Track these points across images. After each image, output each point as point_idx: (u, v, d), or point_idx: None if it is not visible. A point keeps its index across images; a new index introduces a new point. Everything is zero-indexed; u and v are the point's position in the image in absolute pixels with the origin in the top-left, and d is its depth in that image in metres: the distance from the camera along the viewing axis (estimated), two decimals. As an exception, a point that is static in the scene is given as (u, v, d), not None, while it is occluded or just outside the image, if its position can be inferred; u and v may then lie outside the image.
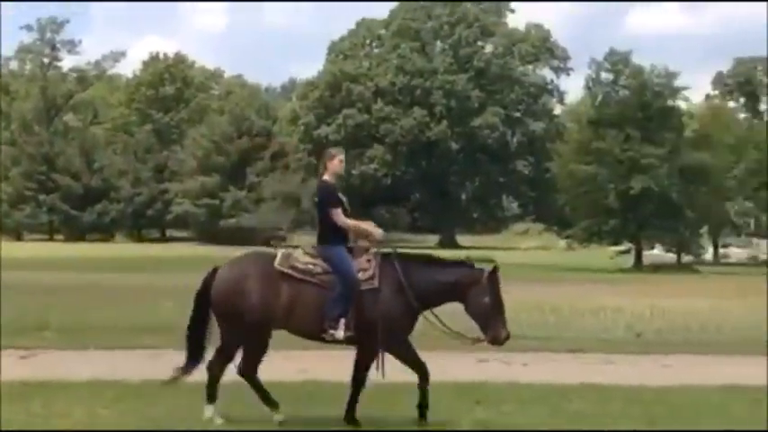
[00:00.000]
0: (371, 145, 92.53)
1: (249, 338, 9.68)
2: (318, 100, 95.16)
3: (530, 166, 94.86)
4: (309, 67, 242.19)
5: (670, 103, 70.61)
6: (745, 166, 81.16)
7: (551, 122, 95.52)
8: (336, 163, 10.04)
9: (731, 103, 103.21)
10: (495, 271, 9.74)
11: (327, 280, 9.59)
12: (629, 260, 68.04)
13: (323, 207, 9.92)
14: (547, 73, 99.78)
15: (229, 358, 9.86)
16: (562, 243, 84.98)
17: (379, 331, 9.46)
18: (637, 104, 68.47)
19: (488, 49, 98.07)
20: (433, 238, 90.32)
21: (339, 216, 9.81)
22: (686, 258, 69.90)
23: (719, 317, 23.85)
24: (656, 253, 73.03)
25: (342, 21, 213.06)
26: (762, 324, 21.06)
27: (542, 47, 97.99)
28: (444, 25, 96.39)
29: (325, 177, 10.07)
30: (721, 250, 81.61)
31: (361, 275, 9.61)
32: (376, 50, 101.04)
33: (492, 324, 9.63)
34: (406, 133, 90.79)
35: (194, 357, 10.02)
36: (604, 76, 72.53)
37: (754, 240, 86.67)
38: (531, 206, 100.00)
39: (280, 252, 9.90)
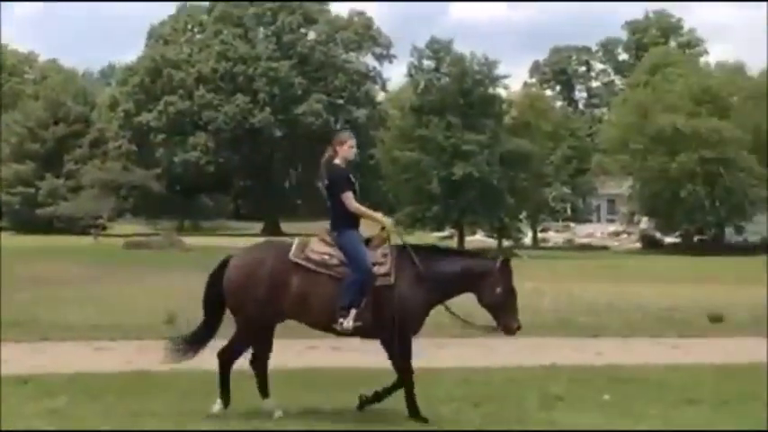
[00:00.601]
0: (194, 132, 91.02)
1: (247, 329, 9.66)
2: (138, 86, 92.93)
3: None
4: (128, 52, 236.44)
5: (490, 90, 72.14)
6: (561, 153, 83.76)
7: (374, 109, 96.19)
8: (347, 148, 9.89)
9: (548, 92, 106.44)
10: (506, 261, 9.80)
11: (343, 271, 9.49)
12: (452, 245, 69.17)
13: (334, 192, 9.74)
14: (370, 60, 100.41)
15: (242, 351, 9.81)
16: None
17: (395, 328, 9.41)
18: (458, 92, 69.63)
19: (311, 35, 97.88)
20: (258, 226, 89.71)
21: (351, 201, 9.68)
22: (507, 243, 71.57)
23: (537, 299, 24.44)
24: (478, 238, 74.61)
25: (163, 6, 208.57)
26: (575, 307, 21.76)
27: (365, 34, 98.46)
28: (267, 11, 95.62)
29: (336, 161, 9.88)
30: (540, 235, 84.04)
31: (376, 270, 9.49)
32: (198, 36, 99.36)
33: (504, 314, 9.67)
34: (228, 120, 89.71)
35: (198, 341, 9.99)
36: (426, 63, 73.50)
37: (572, 225, 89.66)
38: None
39: (295, 241, 9.77)
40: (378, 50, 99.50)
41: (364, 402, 9.75)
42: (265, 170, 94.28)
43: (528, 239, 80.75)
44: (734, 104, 73.84)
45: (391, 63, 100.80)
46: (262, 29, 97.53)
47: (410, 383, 9.56)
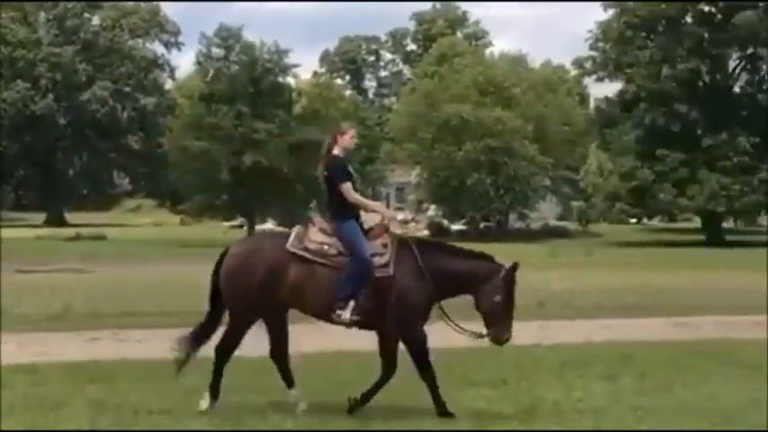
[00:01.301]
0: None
1: (240, 320, 9.48)
2: None
3: (141, 142, 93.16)
4: None
5: (280, 79, 72.07)
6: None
7: (162, 97, 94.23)
8: (347, 138, 9.74)
9: (338, 81, 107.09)
10: (513, 269, 9.34)
11: (341, 261, 9.30)
12: (243, 234, 68.77)
13: (333, 183, 9.56)
14: (157, 47, 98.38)
15: (237, 341, 9.58)
16: (176, 219, 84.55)
17: (392, 320, 9.25)
18: (247, 80, 69.25)
19: (96, 21, 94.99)
20: (40, 217, 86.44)
21: (350, 192, 9.50)
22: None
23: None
24: (269, 227, 74.29)
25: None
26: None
27: (152, 21, 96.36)
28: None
29: (336, 152, 9.69)
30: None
31: (375, 261, 9.27)
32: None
33: (497, 323, 9.28)
34: (8, 107, 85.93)
35: (202, 335, 9.75)
36: (215, 51, 72.70)
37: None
38: (142, 182, 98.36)
39: (293, 231, 9.55)
40: (165, 37, 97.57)
41: (354, 405, 9.46)
42: (48, 159, 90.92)
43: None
44: (517, 95, 76.31)
45: (180, 51, 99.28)
46: (43, 13, 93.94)
47: (432, 378, 9.32)
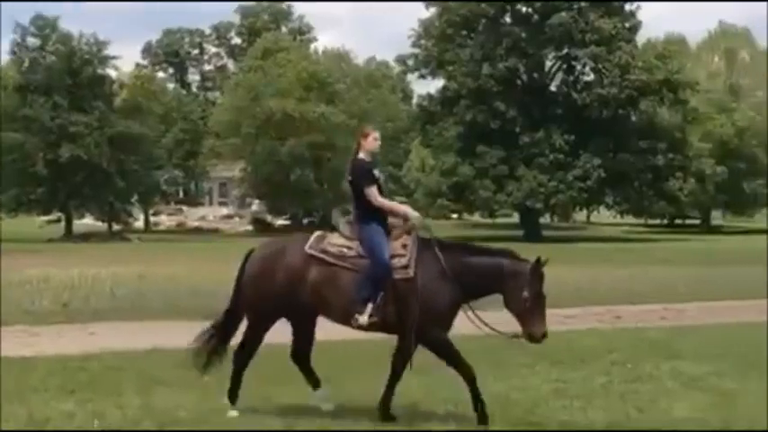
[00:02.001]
0: None
1: (259, 323, 9.40)
2: None
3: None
4: None
5: (100, 71, 70.30)
6: (173, 136, 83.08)
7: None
8: (371, 141, 9.47)
9: (160, 74, 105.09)
10: (538, 264, 9.01)
11: (362, 264, 9.08)
12: (60, 229, 66.88)
13: (358, 186, 9.35)
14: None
15: (256, 345, 9.47)
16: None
17: (412, 324, 8.92)
18: (65, 71, 67.27)
19: None
20: None
21: (375, 195, 9.26)
22: (117, 227, 70.17)
23: (148, 283, 24.12)
24: (88, 222, 72.50)
25: None
26: (181, 290, 21.71)
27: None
28: None
29: (360, 155, 9.46)
30: (152, 218, 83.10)
31: (395, 262, 9.03)
32: None
33: (530, 320, 8.96)
34: None
35: (222, 333, 9.71)
36: (31, 41, 70.34)
37: (184, 208, 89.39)
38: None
39: (314, 234, 9.39)
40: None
41: (383, 412, 9.26)
42: None
43: (140, 223, 79.68)
44: (341, 91, 76.63)
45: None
46: None
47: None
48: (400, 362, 9.24)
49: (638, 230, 79.38)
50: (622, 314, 19.33)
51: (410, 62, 75.52)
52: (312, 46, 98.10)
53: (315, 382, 9.64)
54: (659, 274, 30.35)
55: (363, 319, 8.98)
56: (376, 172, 9.44)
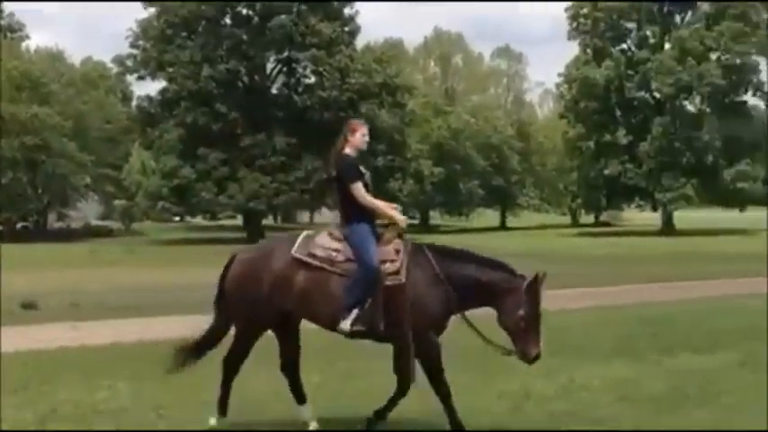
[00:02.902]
0: None
1: (246, 331, 8.86)
2: None
3: None
4: None
5: None
6: None
7: None
8: (359, 137, 8.91)
9: None
10: (536, 281, 8.44)
11: (350, 268, 8.51)
12: None
13: (344, 183, 8.76)
14: None
15: (245, 353, 8.92)
16: None
17: (406, 332, 8.38)
18: None
19: None
20: None
21: (361, 193, 8.70)
22: None
23: None
24: None
25: None
26: None
27: None
28: None
29: (347, 151, 8.88)
30: None
31: (386, 267, 8.45)
32: None
33: (524, 339, 8.44)
34: None
35: (205, 346, 9.13)
36: None
37: None
38: None
39: (301, 236, 8.81)
40: None
41: (372, 423, 8.76)
42: None
43: None
44: (55, 91, 73.76)
45: None
46: None
47: (446, 391, 8.54)
48: (405, 375, 8.71)
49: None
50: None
51: (129, 63, 73.48)
52: (24, 44, 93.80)
53: (301, 397, 9.06)
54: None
55: (346, 325, 8.50)
56: (362, 169, 8.90)
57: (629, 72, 74.69)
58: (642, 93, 75.95)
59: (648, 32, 77.46)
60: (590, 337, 15.03)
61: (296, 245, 8.72)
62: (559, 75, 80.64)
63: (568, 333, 14.66)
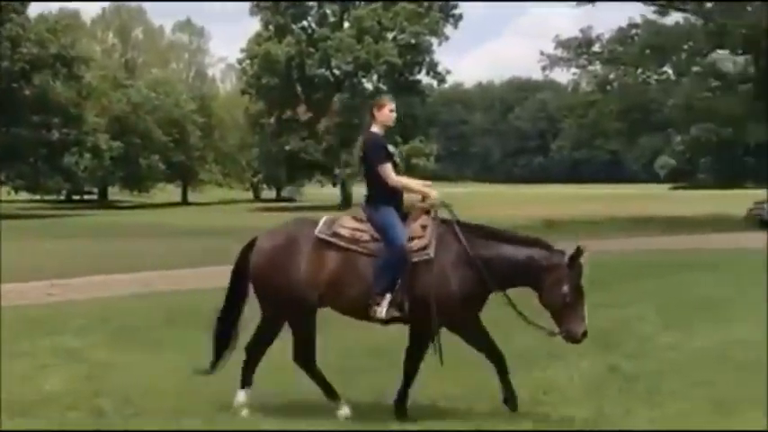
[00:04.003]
0: None
1: (296, 320, 8.35)
2: None
3: None
4: None
5: None
6: None
7: None
8: (386, 112, 8.51)
9: None
10: (578, 254, 8.01)
11: (376, 248, 8.18)
12: None
13: (371, 163, 8.41)
14: None
15: (270, 340, 8.58)
16: None
17: (433, 309, 7.97)
18: None
19: None
20: None
21: (390, 173, 8.35)
22: None
23: None
24: None
25: None
26: None
27: None
28: None
29: (374, 129, 8.51)
30: None
31: (414, 244, 8.12)
32: None
33: (570, 317, 8.04)
34: None
35: (224, 345, 8.64)
36: None
37: None
38: None
39: (323, 218, 8.44)
40: None
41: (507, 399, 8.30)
42: None
43: None
44: None
45: None
46: None
47: (414, 374, 8.36)
48: (416, 354, 8.37)
49: (33, 206, 77.39)
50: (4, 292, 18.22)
51: None
52: None
53: (331, 393, 8.47)
54: (51, 249, 29.71)
55: (381, 311, 8.11)
56: (390, 148, 8.51)
57: (310, 49, 75.90)
58: (322, 70, 77.46)
59: (328, 11, 78.96)
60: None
61: (319, 226, 8.40)
62: (242, 50, 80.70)
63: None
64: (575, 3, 51.01)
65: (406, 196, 8.58)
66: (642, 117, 52.25)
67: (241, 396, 8.50)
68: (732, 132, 61.61)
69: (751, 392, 9.06)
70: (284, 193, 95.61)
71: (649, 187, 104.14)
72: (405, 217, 8.45)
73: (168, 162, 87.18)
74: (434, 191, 8.46)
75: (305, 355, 8.43)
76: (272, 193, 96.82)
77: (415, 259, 8.16)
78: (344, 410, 8.35)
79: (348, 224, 8.42)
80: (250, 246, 8.63)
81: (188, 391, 9.02)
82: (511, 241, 8.38)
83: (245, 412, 8.38)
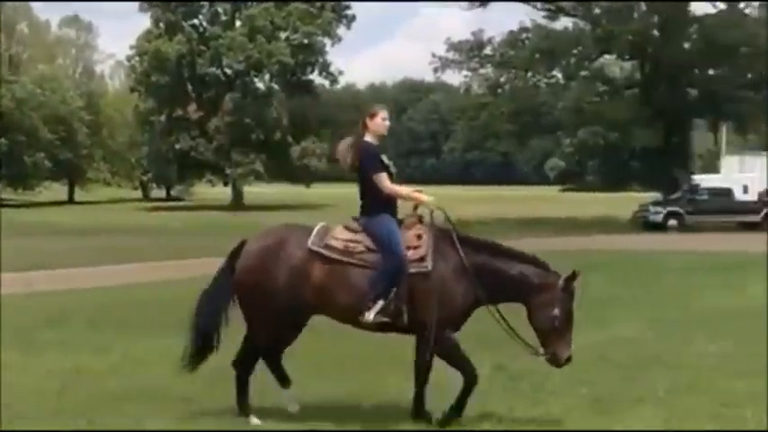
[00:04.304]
0: None
1: (276, 323, 8.18)
2: None
3: None
4: None
5: None
6: None
7: None
8: (379, 121, 8.32)
9: None
10: (573, 278, 8.03)
11: (371, 259, 8.03)
12: None
13: (366, 173, 8.22)
14: None
15: (258, 352, 8.34)
16: None
17: (430, 323, 7.92)
18: None
19: None
20: None
21: (386, 182, 8.19)
22: None
23: None
24: None
25: None
26: None
27: None
28: None
29: (367, 138, 8.31)
30: None
31: (410, 254, 8.01)
32: None
33: (556, 341, 8.02)
34: None
35: (205, 342, 8.40)
36: None
37: None
38: None
39: (316, 228, 8.22)
40: None
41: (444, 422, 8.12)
42: None
43: None
44: None
45: None
46: None
47: (424, 383, 8.23)
48: (422, 364, 8.23)
49: None
50: None
51: None
52: None
53: (284, 381, 8.55)
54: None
55: (369, 316, 7.98)
56: (384, 158, 8.31)
57: (202, 48, 75.14)
58: (214, 68, 76.77)
59: (220, 9, 78.22)
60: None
61: (311, 237, 8.22)
62: (131, 47, 79.42)
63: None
64: (466, 4, 51.65)
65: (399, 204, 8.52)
66: (532, 120, 52.96)
67: (254, 420, 8.36)
68: (618, 136, 62.85)
69: (630, 391, 9.27)
70: (174, 193, 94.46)
71: (540, 189, 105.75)
72: (399, 224, 8.37)
73: (54, 160, 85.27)
74: (426, 196, 8.41)
75: (244, 362, 8.42)
76: (161, 193, 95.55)
77: (412, 270, 8.08)
78: (254, 420, 8.35)
79: (341, 235, 8.28)
80: (236, 251, 8.50)
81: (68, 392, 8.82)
82: (508, 256, 8.35)
83: (255, 421, 8.32)
